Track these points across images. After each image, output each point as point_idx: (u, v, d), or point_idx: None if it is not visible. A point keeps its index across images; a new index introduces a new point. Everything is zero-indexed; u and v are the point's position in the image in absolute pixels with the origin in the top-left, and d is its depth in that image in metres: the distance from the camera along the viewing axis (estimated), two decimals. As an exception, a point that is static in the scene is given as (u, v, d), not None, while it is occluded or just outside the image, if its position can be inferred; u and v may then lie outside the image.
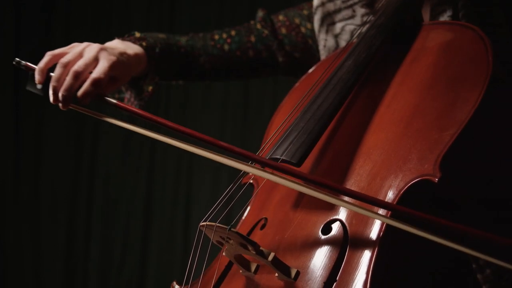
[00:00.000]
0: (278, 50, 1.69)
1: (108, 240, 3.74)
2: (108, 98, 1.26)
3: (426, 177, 1.05)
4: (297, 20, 1.69)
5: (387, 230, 1.05)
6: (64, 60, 1.27)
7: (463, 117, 1.09)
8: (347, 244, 1.07)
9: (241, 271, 1.14)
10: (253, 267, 1.13)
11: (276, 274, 1.07)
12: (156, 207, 3.74)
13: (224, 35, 1.70)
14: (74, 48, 1.31)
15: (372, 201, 1.02)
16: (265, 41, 1.70)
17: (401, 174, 1.09)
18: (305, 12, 1.69)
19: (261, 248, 1.05)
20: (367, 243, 1.05)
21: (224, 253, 1.12)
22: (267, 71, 1.76)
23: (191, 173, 3.71)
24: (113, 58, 1.32)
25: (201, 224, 1.12)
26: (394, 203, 1.05)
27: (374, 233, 1.06)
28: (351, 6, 1.56)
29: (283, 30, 1.70)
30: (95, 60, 1.29)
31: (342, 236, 1.08)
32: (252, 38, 1.70)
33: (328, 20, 1.60)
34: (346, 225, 1.09)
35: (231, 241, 1.07)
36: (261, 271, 1.12)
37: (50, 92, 1.25)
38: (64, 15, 3.85)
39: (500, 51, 1.20)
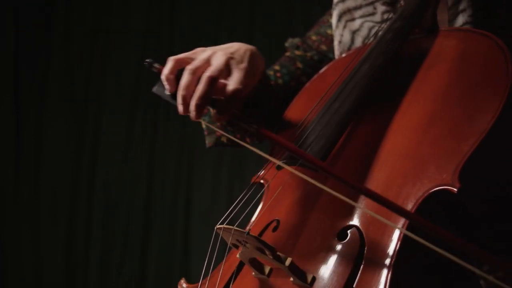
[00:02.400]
0: None
1: (108, 240, 3.74)
2: (249, 122, 1.13)
3: (445, 187, 1.03)
4: (330, 31, 1.65)
5: (405, 239, 1.03)
6: (192, 66, 1.17)
7: (482, 127, 1.06)
8: (364, 252, 1.05)
9: (253, 273, 1.13)
10: (266, 270, 1.11)
11: (291, 279, 1.06)
12: (156, 207, 3.74)
13: (271, 72, 1.61)
14: (199, 54, 1.21)
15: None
16: (311, 63, 1.64)
17: (419, 182, 1.06)
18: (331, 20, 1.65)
19: (278, 252, 1.04)
20: (384, 251, 1.03)
21: (238, 256, 1.11)
22: None
23: (191, 173, 3.72)
24: (245, 66, 1.21)
25: (218, 227, 1.10)
26: (412, 212, 1.03)
27: (392, 241, 1.03)
28: (372, 3, 1.53)
29: (324, 47, 1.66)
30: (226, 68, 1.19)
31: (358, 243, 1.06)
32: (299, 65, 1.63)
33: (347, 16, 1.57)
34: (363, 232, 1.07)
35: (248, 245, 1.06)
36: (274, 274, 1.11)
37: (179, 101, 1.15)
38: (64, 15, 3.84)
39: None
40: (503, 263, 0.93)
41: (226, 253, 1.18)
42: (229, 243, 1.11)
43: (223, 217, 1.16)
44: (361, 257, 1.05)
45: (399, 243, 1.03)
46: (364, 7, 1.54)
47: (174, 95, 1.18)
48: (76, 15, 3.86)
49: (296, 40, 1.69)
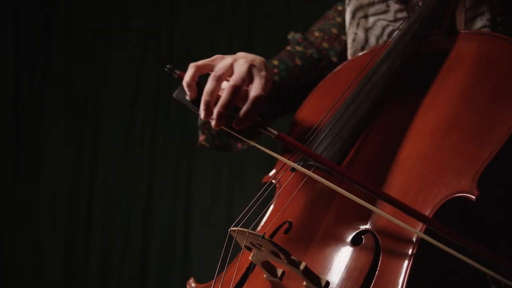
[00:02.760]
0: (329, 66, 1.62)
1: (108, 240, 3.74)
2: (269, 128, 1.12)
3: (463, 194, 1.01)
4: (334, 30, 1.64)
5: (421, 245, 1.01)
6: (216, 73, 1.17)
7: (502, 134, 1.04)
8: (379, 258, 1.03)
9: (265, 275, 1.12)
10: (279, 273, 1.10)
11: (304, 283, 1.05)
12: (156, 207, 3.74)
13: None
14: (220, 61, 1.21)
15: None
16: (310, 60, 1.64)
17: (436, 188, 1.04)
18: (338, 19, 1.65)
19: (292, 257, 1.03)
20: (400, 256, 1.01)
21: (251, 258, 1.09)
22: None
23: (191, 173, 3.72)
24: (265, 73, 1.20)
25: (232, 229, 1.09)
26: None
27: (408, 247, 1.02)
28: (385, 0, 1.53)
29: (325, 45, 1.65)
30: (249, 76, 1.18)
31: (373, 248, 1.05)
32: (298, 61, 1.63)
33: (361, 12, 1.56)
34: (378, 237, 1.06)
35: (262, 248, 1.05)
36: (287, 277, 1.10)
37: (202, 107, 1.14)
38: (64, 15, 3.84)
39: None
40: None
41: (243, 252, 1.17)
42: (243, 246, 1.10)
43: (238, 218, 1.15)
44: (376, 262, 1.03)
45: (415, 248, 1.01)
46: (377, 4, 1.53)
47: (194, 101, 1.19)
48: (76, 15, 3.85)
49: (298, 36, 1.69)
